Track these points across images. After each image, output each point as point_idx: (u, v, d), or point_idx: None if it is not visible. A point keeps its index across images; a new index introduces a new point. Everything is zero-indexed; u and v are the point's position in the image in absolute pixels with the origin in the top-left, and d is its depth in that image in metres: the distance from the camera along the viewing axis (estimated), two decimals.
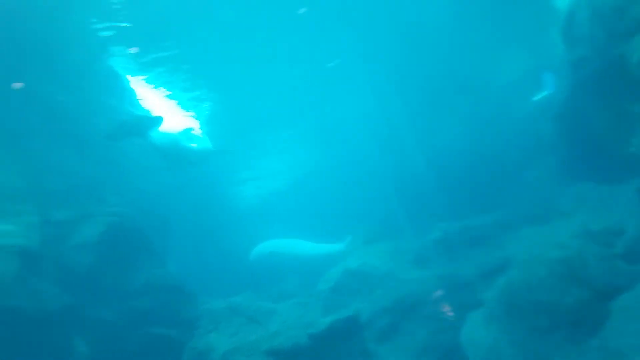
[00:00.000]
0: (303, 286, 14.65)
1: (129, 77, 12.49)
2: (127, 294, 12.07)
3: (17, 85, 10.84)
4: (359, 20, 11.46)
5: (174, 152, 12.88)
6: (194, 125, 13.84)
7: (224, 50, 11.91)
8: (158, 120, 12.40)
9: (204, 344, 12.07)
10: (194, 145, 13.28)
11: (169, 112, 13.47)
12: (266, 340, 11.55)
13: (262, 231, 17.32)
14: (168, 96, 13.19)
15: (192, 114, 13.99)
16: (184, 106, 13.67)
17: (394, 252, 12.55)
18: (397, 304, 11.26)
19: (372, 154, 14.57)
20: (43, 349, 10.04)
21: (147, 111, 13.35)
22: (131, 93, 12.92)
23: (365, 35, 11.88)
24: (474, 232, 11.89)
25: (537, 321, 8.74)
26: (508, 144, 13.44)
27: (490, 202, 12.76)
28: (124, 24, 10.62)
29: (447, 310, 10.64)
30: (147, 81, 12.61)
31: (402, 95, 13.24)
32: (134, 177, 14.65)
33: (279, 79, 13.01)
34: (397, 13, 11.46)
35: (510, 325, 9.05)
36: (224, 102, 13.88)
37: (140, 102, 13.21)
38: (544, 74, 13.17)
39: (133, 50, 10.84)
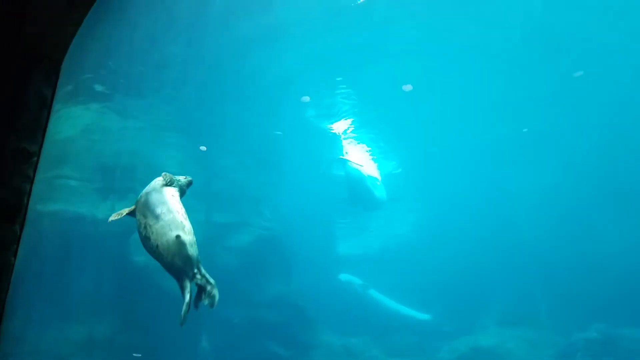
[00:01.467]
0: (418, 346, 14.06)
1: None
2: (255, 302, 12.51)
3: (407, 87, 12.16)
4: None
5: (360, 191, 14.53)
6: (378, 175, 15.37)
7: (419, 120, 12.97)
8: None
9: None
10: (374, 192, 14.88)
11: (362, 158, 15.21)
12: None
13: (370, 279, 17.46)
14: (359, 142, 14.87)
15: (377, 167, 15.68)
16: (374, 158, 15.36)
17: (533, 341, 11.70)
18: None
19: (531, 231, 13.81)
20: (179, 333, 10.60)
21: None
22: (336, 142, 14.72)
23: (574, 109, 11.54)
24: (633, 344, 10.68)
25: None
26: None
27: None
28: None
29: None
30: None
31: (586, 183, 12.51)
32: (287, 199, 15.51)
33: (461, 145, 13.37)
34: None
35: None
36: (407, 162, 15.29)
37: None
38: None
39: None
